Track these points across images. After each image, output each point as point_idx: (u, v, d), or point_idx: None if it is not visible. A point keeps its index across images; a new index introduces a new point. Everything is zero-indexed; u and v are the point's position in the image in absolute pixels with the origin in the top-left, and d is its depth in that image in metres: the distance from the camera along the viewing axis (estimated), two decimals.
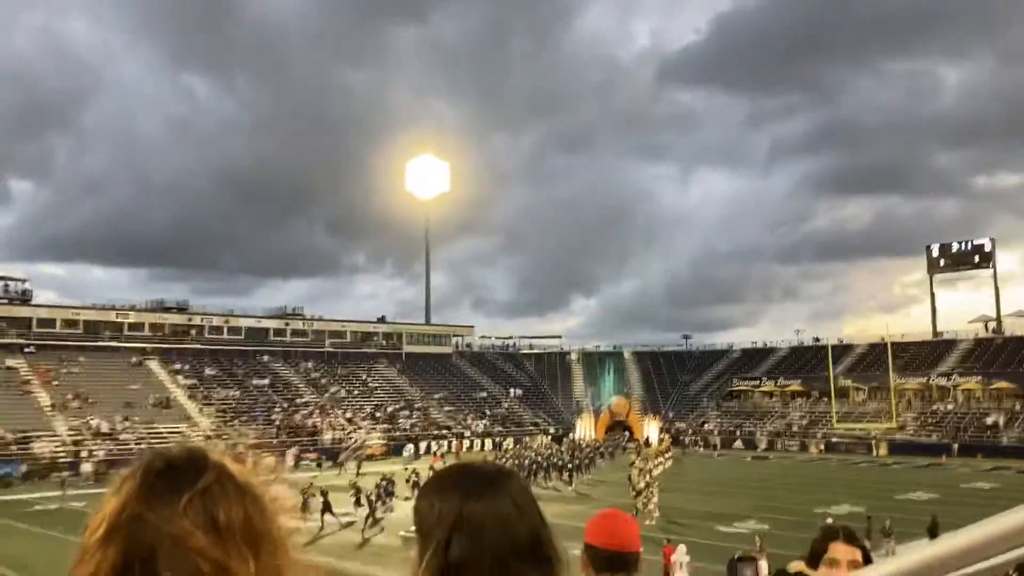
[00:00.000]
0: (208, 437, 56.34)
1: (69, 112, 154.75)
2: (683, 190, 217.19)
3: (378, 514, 30.80)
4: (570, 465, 43.58)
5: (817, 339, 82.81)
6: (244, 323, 76.18)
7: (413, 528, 1.27)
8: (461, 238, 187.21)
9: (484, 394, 78.93)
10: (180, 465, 1.04)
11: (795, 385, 75.04)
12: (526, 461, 44.46)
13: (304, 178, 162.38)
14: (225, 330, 74.65)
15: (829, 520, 23.58)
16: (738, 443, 67.66)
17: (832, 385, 65.81)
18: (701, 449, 65.78)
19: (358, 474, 42.46)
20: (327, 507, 30.59)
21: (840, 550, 2.88)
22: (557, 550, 1.25)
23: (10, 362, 60.04)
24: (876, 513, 26.20)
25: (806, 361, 78.85)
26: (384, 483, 33.71)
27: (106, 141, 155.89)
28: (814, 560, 2.93)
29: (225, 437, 56.99)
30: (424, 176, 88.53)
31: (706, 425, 73.52)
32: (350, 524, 30.33)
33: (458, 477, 1.29)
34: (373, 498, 31.82)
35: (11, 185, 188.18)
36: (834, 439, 63.42)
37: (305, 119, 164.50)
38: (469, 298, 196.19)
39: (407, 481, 35.70)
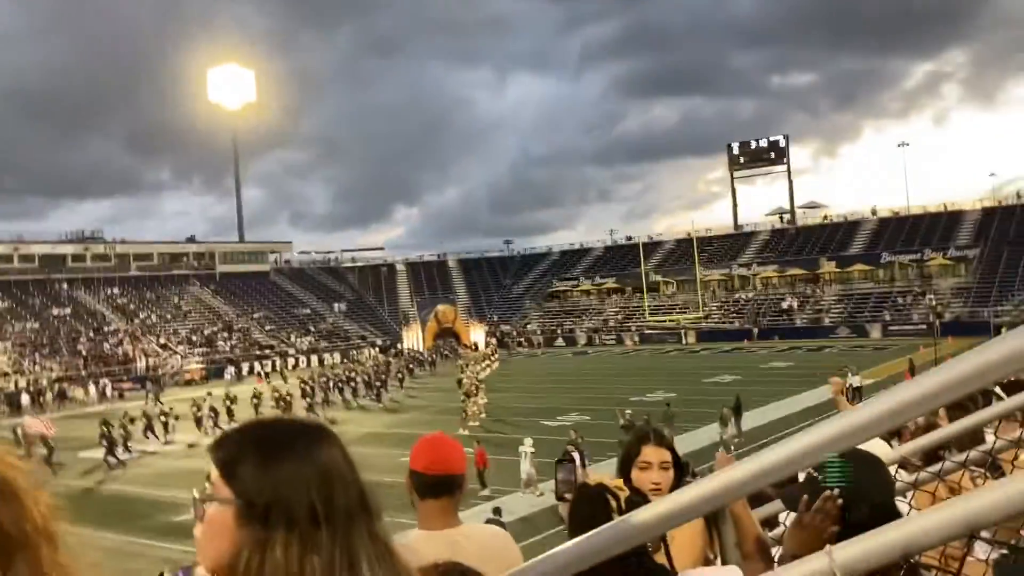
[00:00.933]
0: (6, 373, 52.29)
1: None
2: (499, 95, 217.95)
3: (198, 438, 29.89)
4: (377, 382, 42.27)
5: (630, 238, 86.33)
6: (37, 250, 70.12)
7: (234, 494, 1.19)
8: (273, 150, 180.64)
9: (307, 311, 77.30)
10: None
11: (610, 283, 78.29)
12: (331, 381, 43.59)
13: (97, 89, 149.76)
14: (15, 258, 68.46)
15: (628, 414, 24.85)
16: (559, 341, 70.23)
17: (644, 281, 69.19)
18: (525, 349, 67.85)
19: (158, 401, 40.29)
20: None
21: (651, 452, 2.88)
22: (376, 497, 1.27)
23: None
24: (688, 396, 27.94)
25: (620, 259, 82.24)
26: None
27: None
28: (626, 463, 2.91)
29: (28, 373, 53.10)
30: (229, 85, 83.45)
31: (529, 326, 75.71)
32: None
33: (281, 436, 1.24)
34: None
35: None
36: (647, 331, 66.96)
37: (95, 24, 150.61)
38: (286, 213, 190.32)
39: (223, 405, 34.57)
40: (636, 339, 66.43)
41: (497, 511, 16.10)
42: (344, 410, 37.77)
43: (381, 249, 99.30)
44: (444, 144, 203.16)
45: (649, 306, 68.77)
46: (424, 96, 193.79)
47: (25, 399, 47.42)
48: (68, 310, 64.94)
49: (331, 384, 42.83)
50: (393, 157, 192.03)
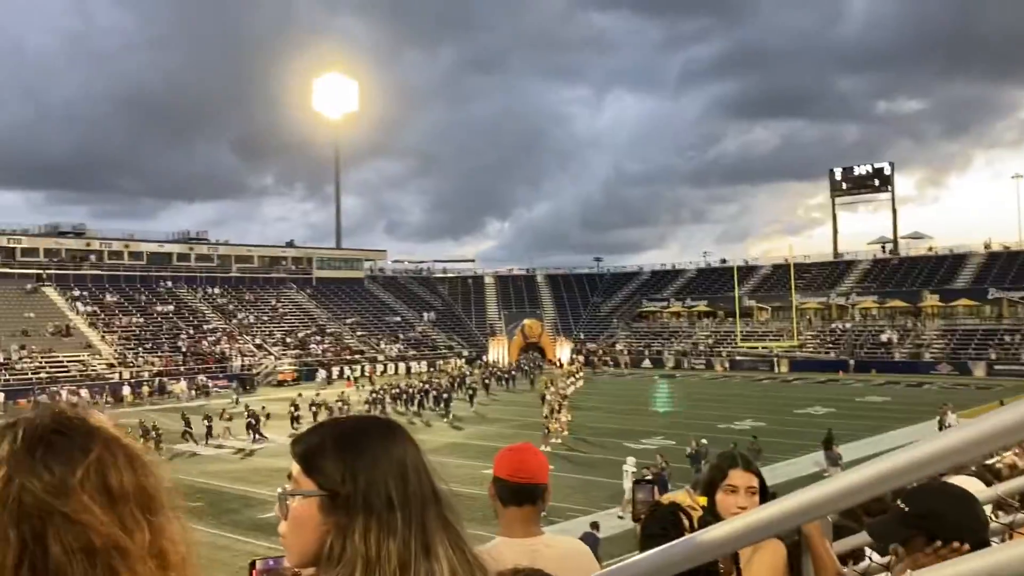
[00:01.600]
0: (112, 365, 54.78)
1: None
2: (597, 113, 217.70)
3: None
4: (445, 395, 42.14)
5: (724, 260, 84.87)
6: (145, 248, 73.46)
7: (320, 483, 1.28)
8: (373, 160, 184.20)
9: (397, 318, 78.60)
10: (66, 432, 0.98)
11: (702, 306, 77.04)
12: (412, 389, 44.12)
13: (209, 96, 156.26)
14: (125, 255, 71.85)
15: (704, 442, 24.34)
16: (646, 362, 69.39)
17: (737, 305, 67.78)
18: (611, 369, 67.29)
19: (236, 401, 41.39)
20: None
21: (738, 477, 2.89)
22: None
23: None
24: (777, 427, 27.20)
25: (712, 282, 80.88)
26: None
27: None
28: (711, 487, 2.92)
29: (130, 365, 55.51)
30: (333, 95, 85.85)
31: (616, 345, 75.08)
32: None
33: (357, 430, 1.34)
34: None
35: None
36: (738, 357, 65.57)
37: (209, 34, 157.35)
38: (382, 222, 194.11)
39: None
40: (726, 365, 65.13)
41: (595, 525, 16.06)
42: (417, 419, 38.10)
43: (472, 261, 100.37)
44: (538, 160, 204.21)
45: (741, 332, 67.34)
46: (521, 112, 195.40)
47: (126, 391, 49.59)
48: (171, 307, 67.65)
49: (407, 394, 43.43)
50: (487, 171, 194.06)
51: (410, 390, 44.16)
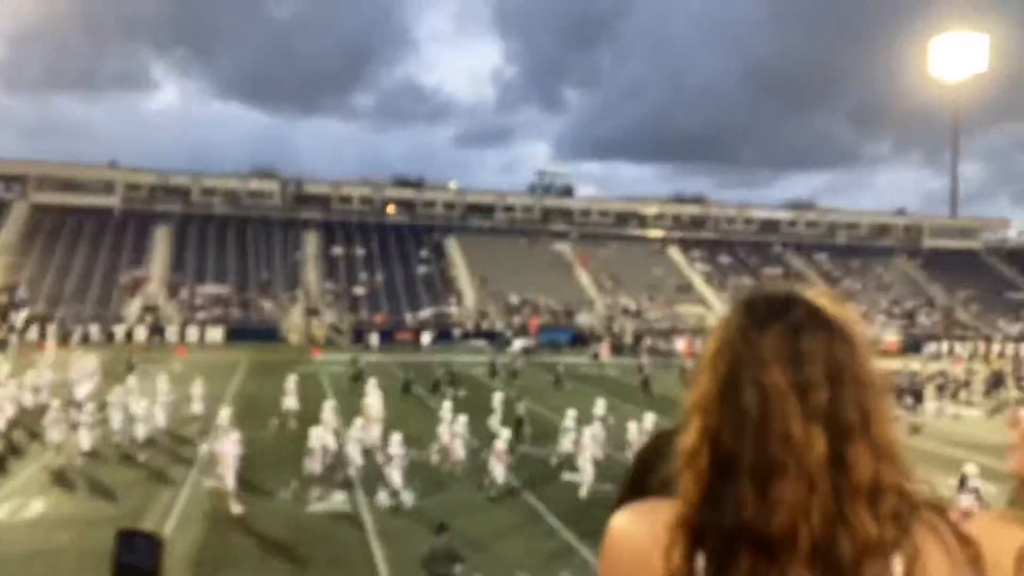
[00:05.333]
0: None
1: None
2: None
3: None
4: None
5: None
6: (757, 214, 78.17)
7: None
8: (1001, 123, 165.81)
9: (1021, 295, 71.02)
10: (773, 301, 1.21)
11: None
12: None
13: (826, 67, 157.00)
14: (740, 221, 77.49)
15: None
16: None
17: None
18: None
19: None
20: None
21: None
22: None
23: (558, 247, 70.32)
24: None
25: None
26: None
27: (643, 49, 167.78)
28: None
29: None
30: (954, 55, 80.00)
31: None
32: None
33: None
34: None
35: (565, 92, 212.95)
36: None
37: (825, 6, 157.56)
38: (1008, 190, 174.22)
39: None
40: None
41: None
42: None
43: None
44: None
45: None
46: None
47: None
48: (779, 270, 71.09)
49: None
50: None
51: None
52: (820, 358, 1.11)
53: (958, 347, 57.97)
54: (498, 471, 17.75)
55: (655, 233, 74.89)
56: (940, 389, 34.24)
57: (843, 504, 1.08)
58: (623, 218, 76.13)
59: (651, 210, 77.03)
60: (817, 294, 1.22)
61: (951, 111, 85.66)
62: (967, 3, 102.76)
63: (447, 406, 21.64)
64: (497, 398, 24.46)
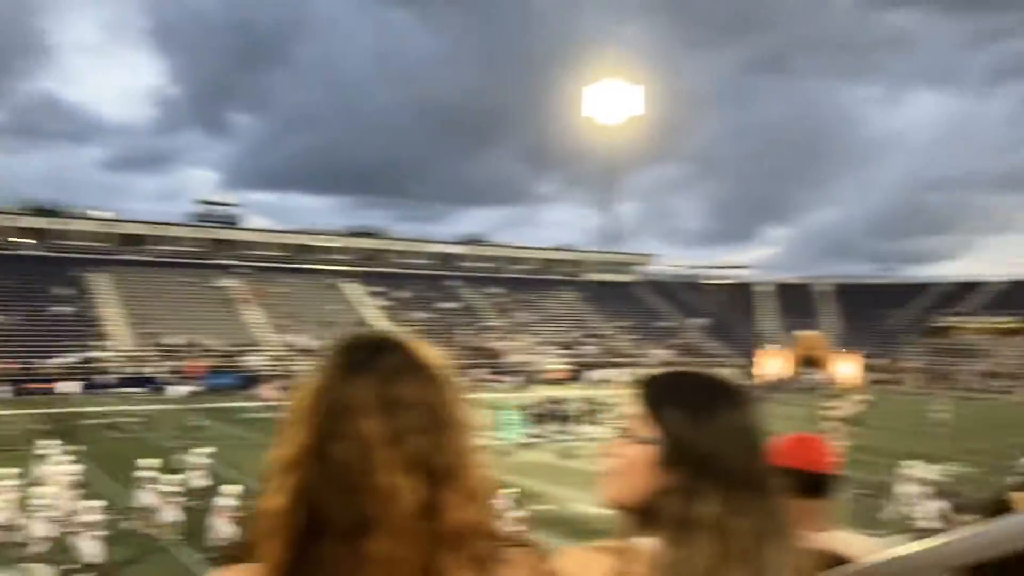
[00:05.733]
0: None
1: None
2: (891, 113, 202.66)
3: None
4: None
5: None
6: (432, 248, 78.73)
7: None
8: (654, 165, 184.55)
9: (666, 324, 77.79)
10: (367, 346, 1.14)
11: (1012, 322, 68.87)
12: None
13: (499, 107, 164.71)
14: (416, 255, 77.52)
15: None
16: (941, 382, 63.13)
17: None
18: (900, 388, 61.97)
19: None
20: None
21: None
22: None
23: (224, 282, 65.38)
24: None
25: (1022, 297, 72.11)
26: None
27: (317, 76, 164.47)
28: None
29: None
30: (611, 101, 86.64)
31: (906, 363, 69.10)
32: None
33: (713, 387, 1.25)
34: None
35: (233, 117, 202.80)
36: None
37: (501, 48, 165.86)
38: (658, 226, 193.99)
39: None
40: None
41: None
42: None
43: (747, 268, 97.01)
44: (825, 163, 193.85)
45: None
46: (808, 114, 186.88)
47: None
48: (455, 304, 71.79)
49: None
50: (770, 175, 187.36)
51: None
52: (415, 404, 1.08)
53: (614, 373, 61.49)
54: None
55: (331, 267, 72.54)
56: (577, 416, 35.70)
57: (435, 553, 1.05)
58: (297, 251, 72.98)
59: (326, 243, 74.68)
60: (410, 337, 1.20)
61: (612, 153, 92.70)
62: (625, 56, 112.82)
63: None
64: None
